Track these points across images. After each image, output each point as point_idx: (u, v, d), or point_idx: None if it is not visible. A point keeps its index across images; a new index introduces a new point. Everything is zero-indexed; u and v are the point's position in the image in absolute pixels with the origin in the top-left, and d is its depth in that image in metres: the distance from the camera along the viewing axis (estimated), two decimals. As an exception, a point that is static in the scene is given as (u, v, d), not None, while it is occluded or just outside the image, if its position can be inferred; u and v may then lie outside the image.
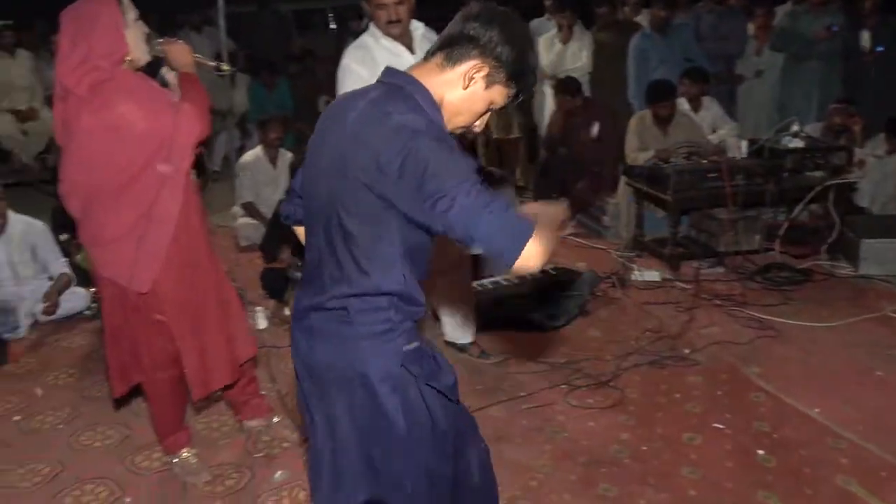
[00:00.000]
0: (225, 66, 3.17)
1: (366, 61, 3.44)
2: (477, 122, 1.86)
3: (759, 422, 3.38)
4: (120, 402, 3.53)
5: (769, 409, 3.49)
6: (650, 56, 6.56)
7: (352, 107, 1.75)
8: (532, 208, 1.71)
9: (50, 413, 3.66)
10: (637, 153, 5.67)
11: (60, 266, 4.83)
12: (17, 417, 3.64)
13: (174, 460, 3.11)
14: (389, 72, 1.81)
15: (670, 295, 4.80)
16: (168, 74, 2.94)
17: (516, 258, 1.58)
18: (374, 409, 1.79)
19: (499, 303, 4.45)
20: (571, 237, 5.95)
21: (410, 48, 3.48)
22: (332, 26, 10.75)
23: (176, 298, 2.83)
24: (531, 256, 1.58)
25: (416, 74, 1.78)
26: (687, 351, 4.05)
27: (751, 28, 7.21)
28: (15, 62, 7.66)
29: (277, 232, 5.08)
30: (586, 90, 6.76)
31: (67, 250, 4.99)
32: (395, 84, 1.76)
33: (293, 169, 5.32)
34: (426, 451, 1.83)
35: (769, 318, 4.39)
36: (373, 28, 3.49)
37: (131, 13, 2.71)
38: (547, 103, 7.09)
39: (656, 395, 3.63)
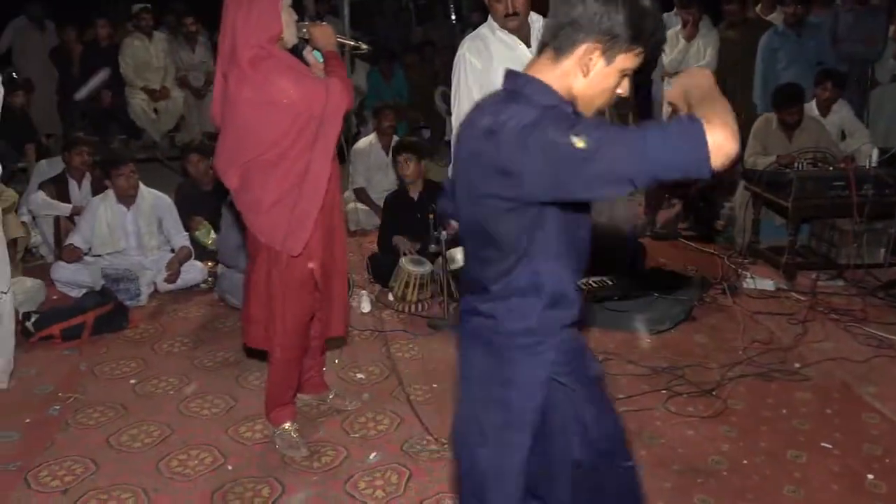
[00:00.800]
0: (364, 46, 3.36)
1: (481, 53, 3.45)
2: (620, 91, 1.73)
3: (870, 444, 3.20)
4: (250, 352, 3.72)
5: (883, 431, 3.30)
6: (780, 56, 6.30)
7: (478, 118, 1.70)
8: (677, 91, 1.64)
9: (164, 378, 3.86)
10: (757, 157, 5.46)
11: (182, 239, 5.09)
12: (133, 381, 3.85)
13: (276, 432, 3.22)
14: (509, 76, 1.75)
15: (784, 306, 4.61)
16: (308, 56, 3.10)
17: (708, 163, 1.43)
18: (510, 417, 1.78)
19: (602, 302, 4.39)
20: (682, 240, 5.80)
21: (527, 41, 3.46)
22: (453, 17, 10.80)
23: (321, 258, 3.04)
24: (719, 146, 1.42)
25: (534, 72, 1.71)
26: (798, 365, 3.88)
27: (892, 30, 6.81)
28: (152, 44, 8.05)
29: (389, 223, 5.18)
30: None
31: (188, 225, 5.23)
32: (513, 89, 1.70)
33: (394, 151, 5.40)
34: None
35: (889, 336, 4.15)
36: (490, 20, 3.49)
37: None
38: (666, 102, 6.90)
39: (762, 409, 3.50)
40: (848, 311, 4.50)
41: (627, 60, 1.66)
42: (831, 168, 4.98)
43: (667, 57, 6.82)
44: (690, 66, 6.67)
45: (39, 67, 8.18)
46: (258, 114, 2.81)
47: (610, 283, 4.54)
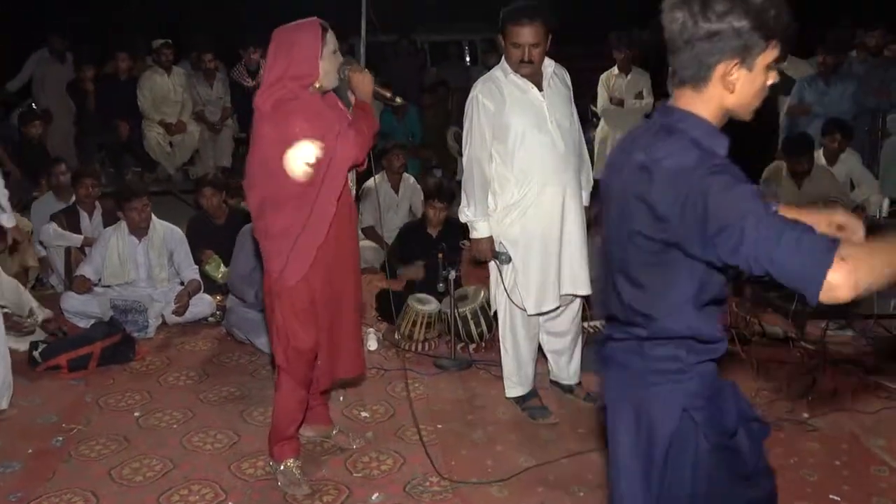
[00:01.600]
0: (399, 100, 3.38)
1: (494, 95, 3.49)
2: (770, 81, 1.67)
3: (879, 497, 3.15)
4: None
5: (891, 484, 3.25)
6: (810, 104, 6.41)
7: (628, 154, 1.69)
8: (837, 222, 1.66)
9: (168, 412, 3.85)
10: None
11: (192, 272, 5.12)
12: (137, 413, 3.85)
13: (279, 468, 3.20)
14: (662, 110, 1.72)
15: (793, 355, 4.57)
16: (351, 96, 3.19)
17: (818, 289, 1.39)
18: (646, 452, 1.76)
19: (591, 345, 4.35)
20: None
21: (539, 85, 3.50)
22: (467, 59, 10.95)
23: (322, 293, 3.07)
24: (837, 286, 1.38)
25: (684, 104, 1.67)
26: (806, 415, 3.84)
27: None
28: (170, 78, 8.17)
29: (399, 251, 5.21)
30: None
31: (198, 258, 5.26)
32: (667, 124, 1.67)
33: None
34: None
35: (900, 389, 4.11)
36: (504, 63, 3.53)
37: (332, 45, 3.00)
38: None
39: (770, 458, 3.44)
40: (858, 361, 4.45)
41: (768, 56, 1.62)
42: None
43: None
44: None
45: (58, 99, 8.31)
46: (274, 152, 2.90)
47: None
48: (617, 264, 1.76)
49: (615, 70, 7.08)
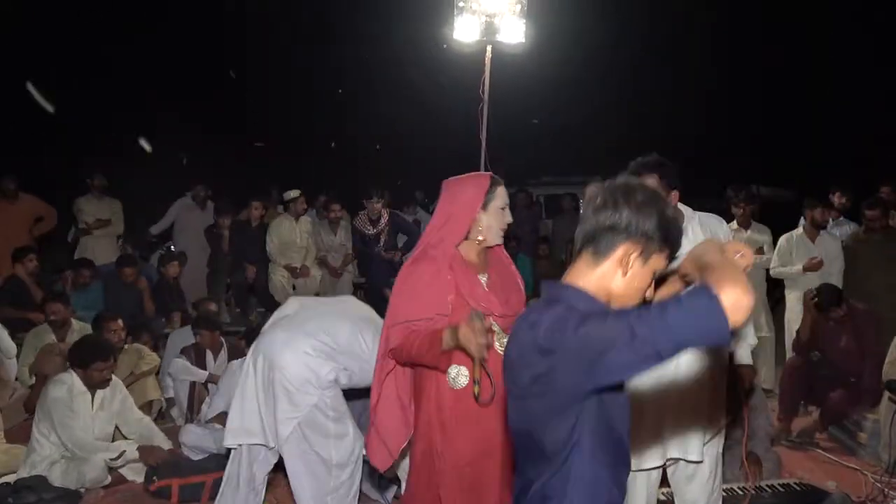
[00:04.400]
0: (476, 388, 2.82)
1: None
2: (648, 294, 1.88)
3: None
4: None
5: None
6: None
7: (520, 329, 1.84)
8: (688, 261, 1.78)
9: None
10: (898, 367, 5.15)
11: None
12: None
13: None
14: (545, 286, 1.90)
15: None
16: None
17: (726, 329, 1.55)
18: None
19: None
20: (821, 451, 5.42)
21: None
22: (580, 211, 11.13)
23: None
24: (735, 303, 1.54)
25: (571, 278, 1.85)
26: None
27: None
28: (298, 225, 8.64)
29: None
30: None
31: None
32: (551, 297, 1.84)
33: None
34: None
35: None
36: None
37: (500, 200, 2.95)
38: (793, 304, 6.72)
39: None
40: None
41: (659, 261, 1.84)
42: None
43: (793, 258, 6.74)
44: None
45: (195, 242, 8.90)
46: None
47: (742, 492, 4.25)
48: (519, 434, 1.91)
49: (734, 225, 7.00)
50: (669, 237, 1.83)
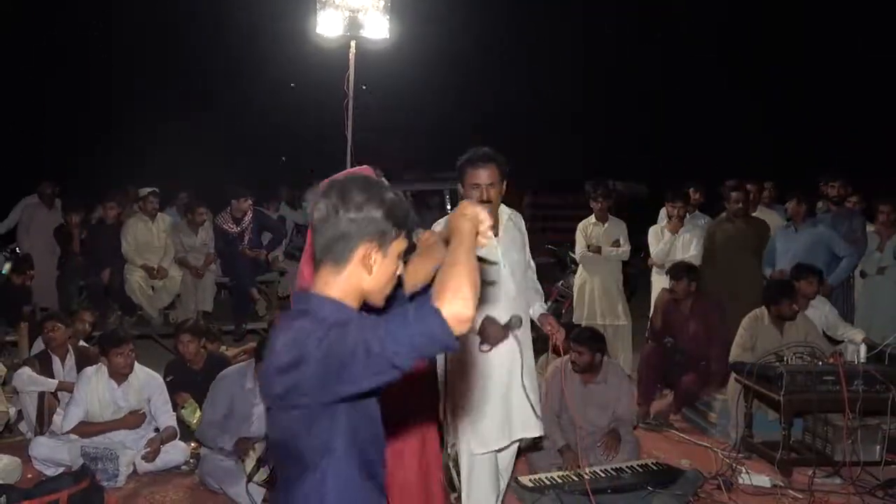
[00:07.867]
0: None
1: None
2: (399, 271, 1.93)
3: None
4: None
5: None
6: (780, 252, 6.62)
7: (274, 341, 1.84)
8: (445, 229, 1.91)
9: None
10: (742, 350, 5.49)
11: (169, 419, 5.00)
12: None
13: None
14: (295, 297, 1.95)
15: (780, 503, 4.47)
16: None
17: (451, 338, 1.63)
18: None
19: (596, 495, 4.24)
20: (676, 432, 5.72)
21: (496, 230, 3.61)
22: (448, 207, 11.21)
23: None
24: (456, 316, 1.62)
25: (318, 287, 1.85)
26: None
27: (874, 227, 7.01)
28: (155, 225, 8.30)
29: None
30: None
31: (174, 400, 5.16)
32: (299, 309, 1.86)
33: None
34: None
35: (893, 540, 4.00)
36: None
37: None
38: (653, 291, 7.06)
39: None
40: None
41: (399, 245, 1.87)
42: (821, 363, 4.99)
43: (653, 248, 7.05)
44: (677, 257, 6.85)
45: (42, 242, 8.37)
46: None
47: (605, 473, 4.42)
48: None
49: (592, 219, 7.27)
50: (399, 220, 1.84)
